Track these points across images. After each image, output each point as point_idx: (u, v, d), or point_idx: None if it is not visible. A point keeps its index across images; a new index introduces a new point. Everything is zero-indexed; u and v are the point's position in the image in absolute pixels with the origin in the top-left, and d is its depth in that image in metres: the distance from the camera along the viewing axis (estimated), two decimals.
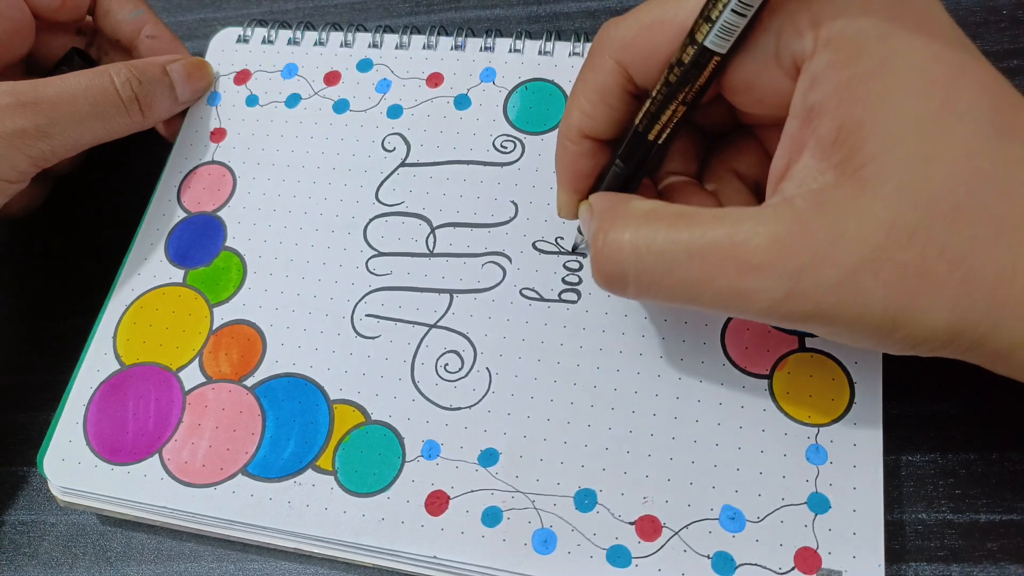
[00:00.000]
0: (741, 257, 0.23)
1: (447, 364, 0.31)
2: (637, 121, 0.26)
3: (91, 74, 0.34)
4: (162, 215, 0.36)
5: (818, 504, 0.27)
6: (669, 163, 0.29)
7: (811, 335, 0.29)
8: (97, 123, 0.34)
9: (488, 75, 0.37)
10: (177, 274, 0.35)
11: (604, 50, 0.27)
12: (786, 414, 0.29)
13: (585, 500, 0.28)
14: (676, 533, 0.28)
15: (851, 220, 0.22)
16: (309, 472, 0.30)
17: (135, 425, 0.32)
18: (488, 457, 0.30)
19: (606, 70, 0.27)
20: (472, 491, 0.29)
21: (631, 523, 0.28)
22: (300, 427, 0.31)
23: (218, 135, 0.38)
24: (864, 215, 0.22)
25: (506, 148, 0.35)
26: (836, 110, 0.22)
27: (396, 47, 0.38)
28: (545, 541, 0.28)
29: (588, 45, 0.36)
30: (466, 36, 0.37)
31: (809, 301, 0.22)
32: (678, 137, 0.27)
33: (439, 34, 0.38)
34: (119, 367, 0.33)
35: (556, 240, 0.33)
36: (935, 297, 0.22)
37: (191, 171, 0.37)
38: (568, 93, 0.36)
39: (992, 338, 0.22)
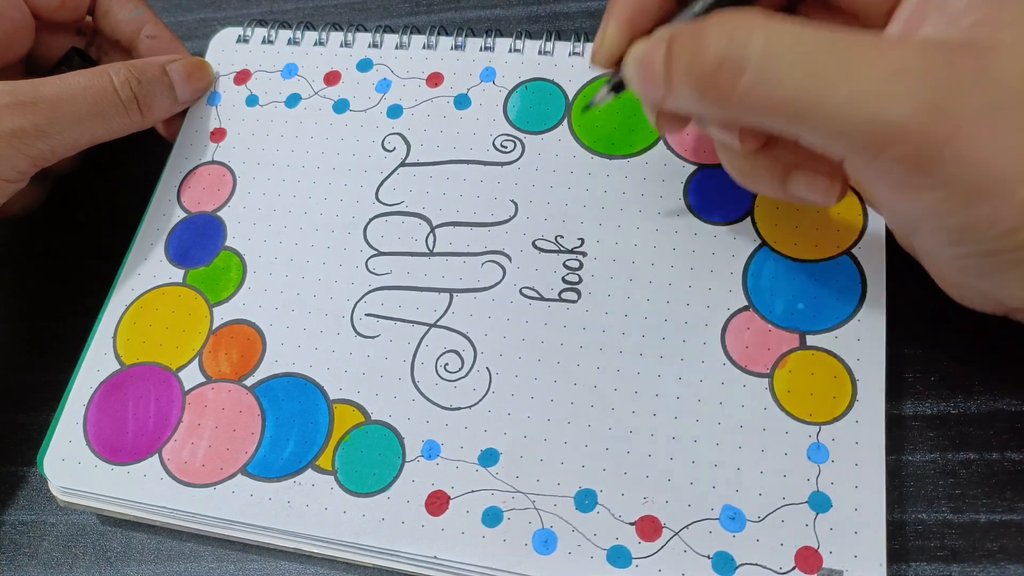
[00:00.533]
0: (889, 56, 0.20)
1: (447, 364, 0.31)
2: None
3: (90, 74, 0.34)
4: (162, 215, 0.36)
5: (819, 503, 0.27)
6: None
7: (811, 332, 0.29)
8: (96, 123, 0.34)
9: (488, 75, 0.37)
10: (177, 274, 0.35)
11: None
12: (787, 413, 0.29)
13: (585, 500, 0.28)
14: (676, 533, 0.28)
15: (993, 65, 0.20)
16: (309, 472, 0.30)
17: (135, 425, 0.32)
18: (488, 457, 0.30)
19: None
20: (472, 491, 0.29)
21: (631, 523, 0.28)
22: (300, 427, 0.31)
23: (218, 135, 0.38)
24: (1005, 65, 0.21)
25: (506, 148, 0.35)
26: None
27: (396, 47, 0.38)
28: (545, 541, 0.28)
29: (588, 45, 0.36)
30: (466, 36, 0.37)
31: (949, 123, 0.20)
32: None
33: (439, 34, 0.38)
34: (119, 367, 0.33)
35: (556, 239, 0.33)
36: None
37: (191, 171, 0.37)
38: (568, 92, 0.36)
39: None
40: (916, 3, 0.23)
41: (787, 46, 0.21)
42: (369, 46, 0.38)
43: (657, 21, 0.25)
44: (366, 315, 0.33)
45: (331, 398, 0.31)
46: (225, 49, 0.40)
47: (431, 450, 0.30)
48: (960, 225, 0.22)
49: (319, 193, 0.36)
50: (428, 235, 0.34)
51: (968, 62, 0.20)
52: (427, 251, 0.34)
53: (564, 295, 0.32)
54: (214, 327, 0.33)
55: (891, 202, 0.24)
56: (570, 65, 0.36)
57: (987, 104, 0.20)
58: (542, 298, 0.32)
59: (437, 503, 0.29)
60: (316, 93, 0.38)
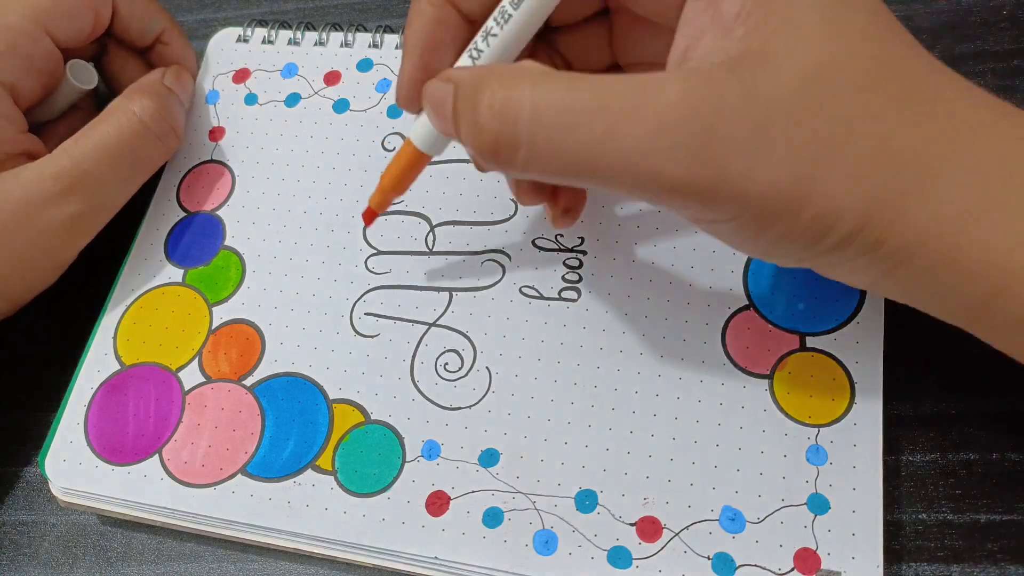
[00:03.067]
0: (650, 112, 0.21)
1: (447, 363, 0.31)
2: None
3: (115, 120, 0.33)
4: (162, 215, 0.36)
5: (818, 505, 0.27)
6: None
7: (811, 334, 0.29)
8: (139, 166, 0.34)
9: None
10: (176, 273, 0.35)
11: None
12: (786, 414, 0.29)
13: (586, 501, 0.28)
14: (676, 534, 0.28)
15: (762, 82, 0.21)
16: (309, 472, 0.30)
17: (135, 425, 0.32)
18: (488, 457, 0.30)
19: None
20: (473, 492, 0.29)
21: (632, 524, 0.28)
22: (299, 427, 0.31)
23: (217, 133, 0.38)
24: (774, 79, 0.21)
25: None
26: None
27: (396, 47, 0.38)
28: (546, 542, 0.28)
29: None
30: None
31: (716, 164, 0.21)
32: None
33: None
34: (119, 367, 0.33)
35: (556, 237, 0.33)
36: (845, 171, 0.21)
37: (190, 170, 0.37)
38: None
39: (899, 227, 0.21)
40: (694, 15, 0.23)
41: (554, 114, 0.21)
42: (369, 46, 0.38)
43: (448, 57, 0.26)
44: (365, 314, 0.33)
45: (331, 398, 0.31)
46: (225, 49, 0.40)
47: (431, 450, 0.30)
48: (762, 247, 0.23)
49: (319, 192, 0.35)
50: (428, 234, 0.34)
51: (734, 86, 0.21)
52: (426, 250, 0.34)
53: (564, 294, 0.32)
54: (213, 327, 0.33)
55: (698, 228, 0.25)
56: None
57: (754, 127, 0.21)
58: (542, 297, 0.32)
59: (437, 503, 0.29)
60: (316, 93, 0.38)
